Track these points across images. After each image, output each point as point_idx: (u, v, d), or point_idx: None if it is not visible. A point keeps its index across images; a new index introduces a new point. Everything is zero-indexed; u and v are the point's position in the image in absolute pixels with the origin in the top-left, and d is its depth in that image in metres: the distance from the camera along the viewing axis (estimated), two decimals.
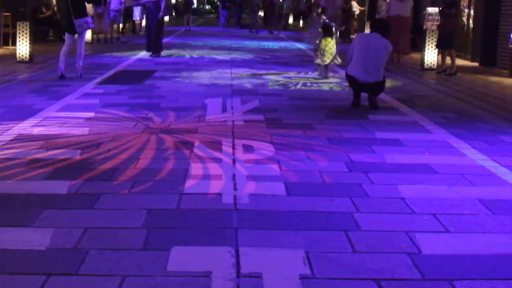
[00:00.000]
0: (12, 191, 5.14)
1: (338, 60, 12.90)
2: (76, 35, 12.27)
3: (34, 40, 15.10)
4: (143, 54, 17.19)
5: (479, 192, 5.35)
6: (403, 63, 16.04)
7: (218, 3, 36.75)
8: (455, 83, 12.54)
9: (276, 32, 29.58)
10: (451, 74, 13.57)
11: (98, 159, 6.21)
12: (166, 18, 42.30)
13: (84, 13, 12.27)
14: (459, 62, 15.01)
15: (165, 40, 23.38)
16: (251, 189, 5.29)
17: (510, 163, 6.30)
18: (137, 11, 16.68)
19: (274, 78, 12.76)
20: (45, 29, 20.83)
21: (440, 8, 14.54)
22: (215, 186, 5.34)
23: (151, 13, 16.47)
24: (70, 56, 12.40)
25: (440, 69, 13.99)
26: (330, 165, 6.13)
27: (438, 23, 14.82)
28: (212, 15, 39.67)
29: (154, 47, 16.59)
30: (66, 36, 12.35)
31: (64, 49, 12.10)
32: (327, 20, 13.18)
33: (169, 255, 3.90)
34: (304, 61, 16.07)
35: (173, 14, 48.91)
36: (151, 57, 16.34)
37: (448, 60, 13.90)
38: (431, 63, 14.57)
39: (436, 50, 14.42)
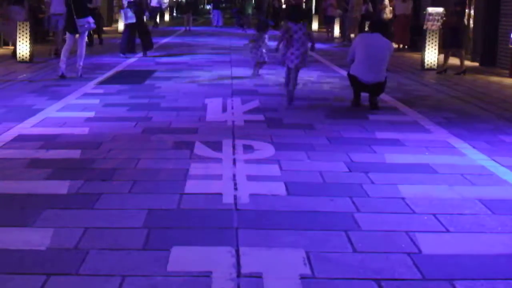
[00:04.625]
0: (12, 191, 5.14)
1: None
2: (77, 35, 12.29)
3: (34, 40, 15.08)
4: (142, 54, 17.22)
5: (479, 192, 5.35)
6: (403, 63, 16.04)
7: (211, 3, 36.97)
8: (455, 83, 12.54)
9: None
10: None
11: (98, 159, 6.21)
12: (166, 18, 42.35)
13: (86, 13, 12.31)
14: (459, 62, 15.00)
15: (165, 40, 23.43)
16: (251, 189, 5.29)
17: (510, 163, 6.29)
18: (128, 14, 16.21)
19: (274, 78, 12.76)
20: (45, 29, 20.78)
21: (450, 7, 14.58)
22: (215, 186, 5.34)
23: (137, 13, 16.42)
24: (70, 56, 12.40)
25: (441, 69, 13.98)
26: (330, 165, 6.13)
27: (438, 23, 14.81)
28: (211, 15, 39.78)
29: (149, 45, 16.73)
30: (67, 36, 12.39)
31: (65, 47, 12.20)
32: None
33: (169, 255, 3.90)
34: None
35: (174, 14, 48.90)
36: (144, 56, 16.41)
37: (452, 60, 13.88)
38: (431, 63, 14.57)
39: (437, 50, 14.43)
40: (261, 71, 13.27)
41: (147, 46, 16.70)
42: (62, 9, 15.14)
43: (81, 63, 12.32)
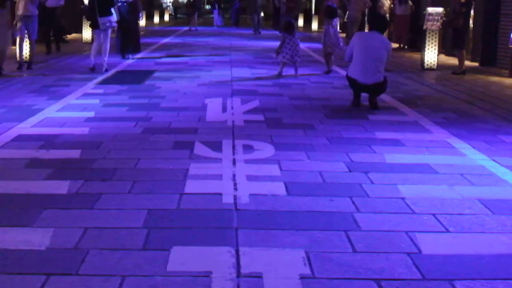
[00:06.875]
0: (12, 191, 5.14)
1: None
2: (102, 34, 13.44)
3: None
4: (143, 54, 17.20)
5: (479, 192, 5.35)
6: (403, 63, 16.05)
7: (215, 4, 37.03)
8: (455, 83, 12.54)
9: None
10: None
11: (98, 159, 6.21)
12: (166, 18, 42.35)
13: (108, 13, 13.35)
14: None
15: (165, 40, 23.43)
16: (251, 189, 5.29)
17: (510, 163, 6.30)
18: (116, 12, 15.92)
19: (274, 78, 12.76)
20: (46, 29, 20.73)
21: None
22: (215, 186, 5.34)
23: (127, 14, 16.10)
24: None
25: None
26: (330, 165, 6.13)
27: (438, 23, 14.79)
28: (212, 15, 39.94)
29: (137, 47, 16.78)
30: (95, 32, 13.81)
31: (94, 44, 13.76)
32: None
33: (169, 255, 3.90)
34: (304, 61, 16.07)
35: (173, 14, 48.90)
36: (130, 58, 16.04)
37: (451, 59, 13.86)
38: (431, 63, 14.56)
39: (437, 50, 14.43)
40: (261, 71, 13.26)
41: (136, 48, 16.66)
42: (33, 10, 13.35)
43: (106, 59, 13.37)
